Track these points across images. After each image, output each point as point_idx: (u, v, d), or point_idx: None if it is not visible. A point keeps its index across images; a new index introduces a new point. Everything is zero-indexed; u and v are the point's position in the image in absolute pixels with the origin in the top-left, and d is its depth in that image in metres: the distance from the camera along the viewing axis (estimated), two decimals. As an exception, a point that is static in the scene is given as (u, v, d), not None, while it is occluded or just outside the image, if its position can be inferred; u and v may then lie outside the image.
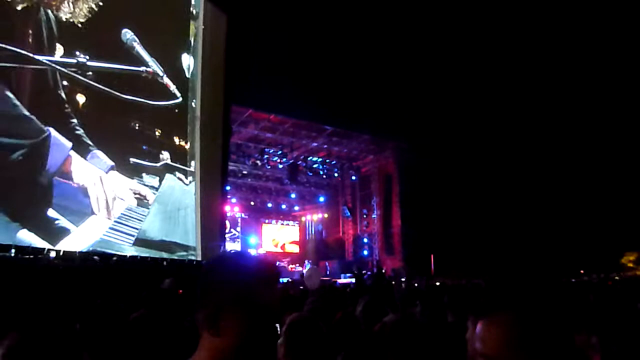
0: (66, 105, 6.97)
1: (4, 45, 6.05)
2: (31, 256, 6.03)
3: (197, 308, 1.08)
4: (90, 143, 7.21)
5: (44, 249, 6.24)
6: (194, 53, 9.53)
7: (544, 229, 14.60)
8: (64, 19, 6.91)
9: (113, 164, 7.55)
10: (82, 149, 7.07)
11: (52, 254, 6.35)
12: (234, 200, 20.17)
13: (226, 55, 10.65)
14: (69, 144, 6.89)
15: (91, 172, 7.16)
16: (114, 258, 7.31)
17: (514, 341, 1.05)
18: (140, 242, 7.86)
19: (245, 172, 19.04)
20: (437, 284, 11.09)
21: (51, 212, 6.51)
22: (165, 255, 8.40)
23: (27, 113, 6.34)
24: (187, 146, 9.33)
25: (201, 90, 9.60)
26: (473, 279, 11.55)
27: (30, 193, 6.38)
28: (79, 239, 6.76)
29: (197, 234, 9.23)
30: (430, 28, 14.75)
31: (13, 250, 5.80)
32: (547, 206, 14.99)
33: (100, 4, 7.44)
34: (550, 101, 15.48)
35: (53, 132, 6.65)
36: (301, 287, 11.02)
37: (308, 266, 18.14)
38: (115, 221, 7.47)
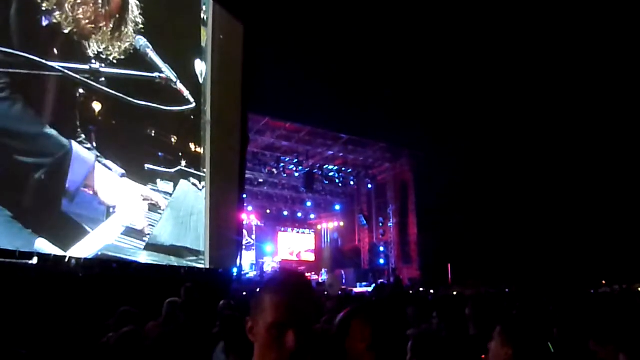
0: (82, 114, 6.97)
1: (19, 53, 5.99)
2: (52, 263, 6.13)
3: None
4: (106, 150, 7.22)
5: (65, 256, 6.32)
6: (206, 59, 9.57)
7: (564, 238, 14.34)
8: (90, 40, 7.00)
9: (127, 170, 7.56)
10: (98, 157, 7.08)
11: (73, 262, 6.44)
12: (250, 208, 20.27)
13: (243, 64, 10.76)
14: (92, 156, 6.92)
15: (107, 179, 7.22)
16: (133, 265, 7.38)
17: None
18: (151, 247, 7.84)
19: (261, 180, 19.17)
20: (455, 293, 10.95)
21: (68, 220, 6.52)
22: (174, 259, 8.39)
23: (46, 129, 6.30)
24: (202, 151, 9.32)
25: (214, 96, 9.61)
26: (490, 288, 11.39)
27: (52, 205, 6.39)
28: (91, 243, 6.78)
29: (206, 239, 9.21)
30: (447, 37, 14.71)
31: (36, 258, 5.90)
32: (568, 215, 14.73)
33: (132, 43, 7.63)
34: (570, 112, 15.26)
35: (74, 145, 6.64)
36: (325, 293, 11.07)
37: (324, 275, 18.11)
38: (127, 226, 7.49)
